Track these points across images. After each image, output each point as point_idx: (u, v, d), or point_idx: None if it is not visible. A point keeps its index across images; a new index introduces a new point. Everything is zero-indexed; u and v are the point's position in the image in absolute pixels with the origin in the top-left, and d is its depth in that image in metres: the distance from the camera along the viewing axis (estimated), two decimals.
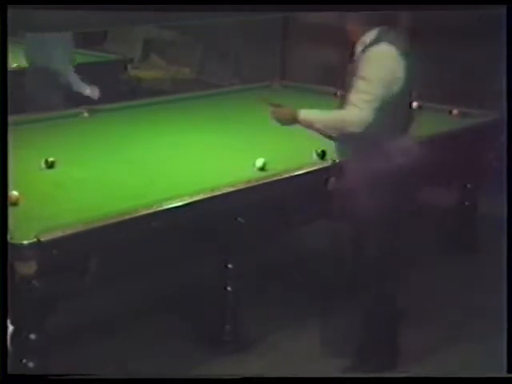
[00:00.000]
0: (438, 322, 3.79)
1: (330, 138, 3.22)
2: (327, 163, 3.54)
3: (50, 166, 3.38)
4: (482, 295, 4.01)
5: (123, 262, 2.88)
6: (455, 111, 4.56)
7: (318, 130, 3.11)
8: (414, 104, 4.67)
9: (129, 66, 6.21)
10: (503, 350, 2.74)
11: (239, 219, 3.25)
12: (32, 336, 2.73)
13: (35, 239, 2.56)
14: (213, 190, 3.13)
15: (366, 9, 3.24)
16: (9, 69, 2.54)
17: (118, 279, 3.01)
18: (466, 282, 4.23)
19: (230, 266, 3.35)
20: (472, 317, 3.80)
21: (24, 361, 2.72)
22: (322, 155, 3.59)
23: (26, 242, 2.55)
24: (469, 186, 4.50)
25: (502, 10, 2.85)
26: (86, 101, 4.63)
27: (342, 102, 3.20)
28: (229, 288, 3.36)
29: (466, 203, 4.53)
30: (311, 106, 4.79)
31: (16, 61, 4.98)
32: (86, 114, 4.30)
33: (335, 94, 4.98)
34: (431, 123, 4.36)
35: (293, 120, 3.12)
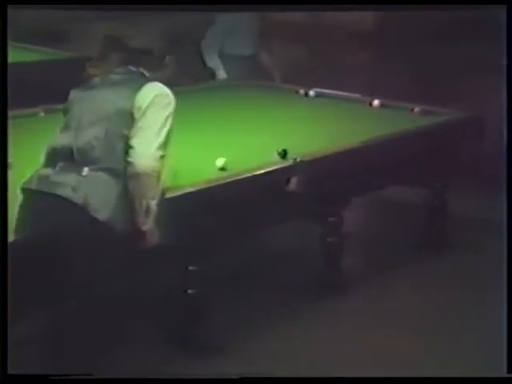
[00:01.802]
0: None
1: None
2: (288, 162, 3.50)
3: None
4: (450, 293, 4.03)
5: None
6: (417, 109, 4.56)
7: None
8: (376, 102, 4.70)
9: (87, 64, 6.10)
10: (503, 350, 2.75)
11: (200, 220, 3.19)
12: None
13: None
14: (172, 189, 3.07)
15: (366, 9, 3.23)
16: None
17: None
18: (436, 280, 4.23)
19: (190, 268, 3.29)
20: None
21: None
22: (284, 154, 3.55)
23: None
24: (436, 184, 4.49)
25: (502, 10, 2.82)
26: (43, 100, 4.52)
27: None
28: (189, 291, 3.30)
29: (435, 202, 4.52)
30: (273, 104, 4.80)
31: None
32: (42, 114, 4.22)
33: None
34: (393, 121, 4.36)
35: None
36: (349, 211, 4.01)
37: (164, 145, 2.77)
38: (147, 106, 2.78)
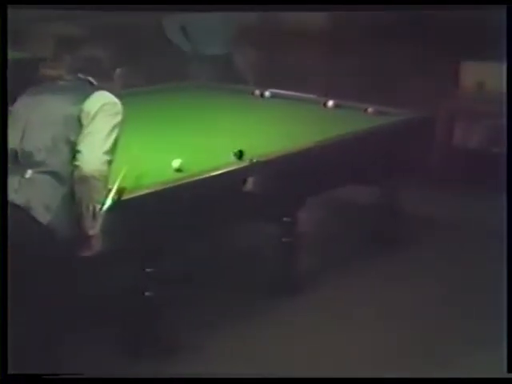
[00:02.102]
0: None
1: None
2: (244, 163, 3.51)
3: None
4: (400, 294, 4.07)
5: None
6: (370, 109, 4.61)
7: None
8: (330, 103, 4.75)
9: (40, 65, 6.04)
10: (503, 350, 2.76)
11: (156, 222, 3.19)
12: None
13: None
14: (129, 191, 3.05)
15: (366, 9, 3.24)
16: None
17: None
18: (390, 278, 4.27)
19: (147, 270, 3.28)
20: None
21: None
22: (240, 155, 3.56)
23: None
24: (387, 183, 4.53)
25: (502, 10, 2.85)
26: None
27: None
28: (147, 293, 3.29)
29: (384, 201, 4.56)
30: (229, 105, 4.81)
31: None
32: None
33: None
34: (347, 122, 4.41)
35: None
36: (304, 211, 4.04)
37: (111, 151, 2.79)
38: (96, 112, 2.80)
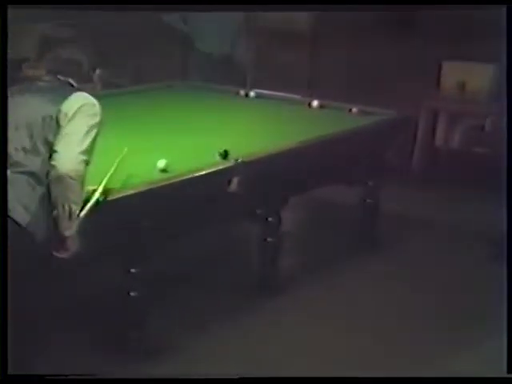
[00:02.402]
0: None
1: None
2: (230, 163, 3.52)
3: None
4: (383, 294, 4.09)
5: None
6: (354, 109, 4.63)
7: None
8: (315, 103, 4.77)
9: (23, 65, 6.01)
10: (503, 350, 2.75)
11: (142, 222, 3.19)
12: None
13: None
14: (115, 191, 3.05)
15: (366, 9, 3.24)
16: None
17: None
18: (372, 279, 4.29)
19: (132, 270, 3.27)
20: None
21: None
22: (225, 155, 3.56)
23: None
24: (370, 183, 4.56)
25: (502, 10, 2.86)
26: None
27: None
28: (132, 293, 3.28)
29: (368, 200, 4.59)
30: (214, 105, 4.81)
31: None
32: None
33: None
34: (331, 122, 4.42)
35: None
36: (287, 211, 4.05)
37: (88, 151, 2.79)
38: (74, 113, 2.79)
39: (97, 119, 2.84)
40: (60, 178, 2.71)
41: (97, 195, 2.94)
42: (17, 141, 2.75)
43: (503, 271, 2.82)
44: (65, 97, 2.81)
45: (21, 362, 2.71)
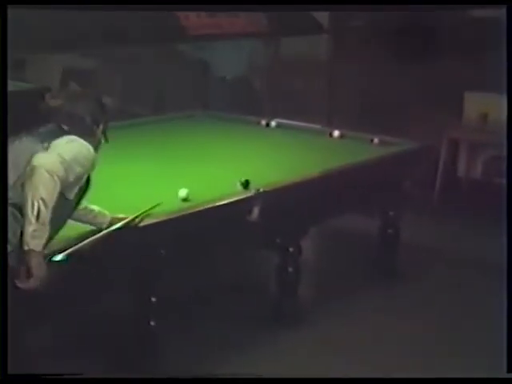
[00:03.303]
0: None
1: None
2: (250, 193, 3.53)
3: None
4: (404, 321, 4.06)
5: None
6: (376, 140, 4.62)
7: None
8: (336, 133, 4.77)
9: (47, 96, 6.06)
10: (503, 350, 2.75)
11: (162, 251, 3.19)
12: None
13: None
14: (136, 220, 3.06)
15: (366, 9, 3.25)
16: None
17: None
18: (393, 308, 4.25)
19: (153, 299, 3.27)
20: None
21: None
22: (246, 185, 3.57)
23: None
24: (391, 213, 4.54)
25: (502, 10, 2.86)
26: None
27: None
28: (152, 322, 3.28)
29: (388, 231, 4.57)
30: (235, 135, 4.84)
31: None
32: None
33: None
34: (352, 152, 4.42)
35: None
36: (307, 241, 4.04)
37: (69, 160, 2.64)
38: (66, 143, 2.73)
39: (88, 165, 2.74)
40: (34, 169, 2.56)
41: (119, 224, 2.96)
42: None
43: (503, 274, 2.82)
44: (57, 136, 2.74)
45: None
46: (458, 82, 6.00)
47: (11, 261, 2.56)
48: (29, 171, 2.57)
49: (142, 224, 3.07)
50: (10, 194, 2.62)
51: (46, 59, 6.80)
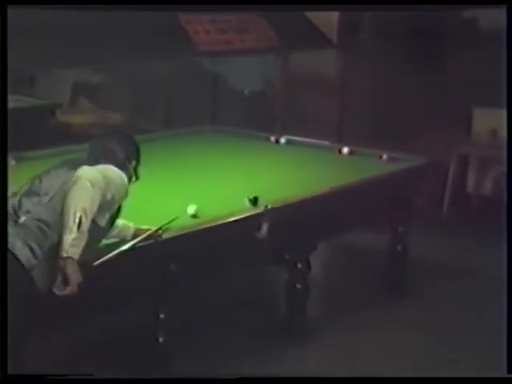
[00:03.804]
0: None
1: None
2: (259, 209, 3.52)
3: None
4: (411, 339, 4.03)
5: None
6: (384, 156, 4.62)
7: None
8: (345, 150, 4.77)
9: (57, 111, 6.10)
10: (503, 350, 2.75)
11: (171, 267, 3.19)
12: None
13: None
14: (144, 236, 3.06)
15: (367, 9, 3.27)
16: None
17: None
18: (402, 324, 4.23)
19: (161, 315, 3.27)
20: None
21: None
22: (255, 201, 3.57)
23: None
24: (400, 229, 4.53)
25: (502, 10, 2.86)
26: (12, 147, 4.50)
27: None
28: (160, 339, 3.27)
29: (397, 247, 4.56)
30: (244, 151, 4.84)
31: None
32: (12, 162, 4.17)
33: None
34: (361, 168, 4.42)
35: None
36: (316, 257, 4.03)
37: (109, 179, 2.78)
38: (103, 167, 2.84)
39: (121, 188, 2.86)
40: (77, 180, 2.67)
41: (145, 235, 3.01)
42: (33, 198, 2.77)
43: (503, 271, 2.83)
44: (92, 166, 2.83)
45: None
46: (468, 97, 6.00)
47: (36, 274, 2.64)
48: (72, 182, 2.69)
49: (151, 240, 3.07)
50: (39, 209, 2.73)
51: (55, 74, 6.84)
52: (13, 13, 2.73)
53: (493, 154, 5.99)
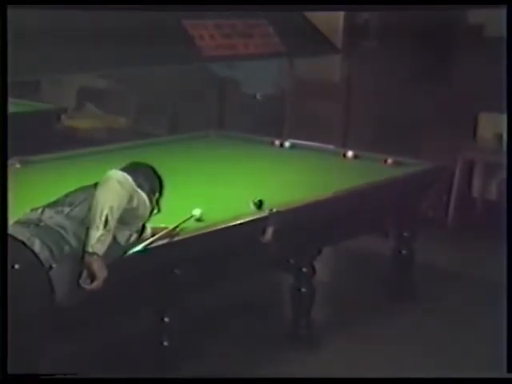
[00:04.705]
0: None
1: None
2: (264, 213, 3.53)
3: None
4: (418, 346, 4.03)
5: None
6: (389, 160, 4.62)
7: None
8: (350, 154, 4.77)
9: (63, 116, 6.12)
10: (503, 350, 2.74)
11: (176, 271, 3.19)
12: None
13: None
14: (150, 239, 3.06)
15: (367, 9, 3.27)
16: None
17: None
18: (408, 330, 4.22)
19: (166, 319, 3.27)
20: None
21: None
22: (259, 205, 3.57)
23: None
24: (405, 234, 4.53)
25: (502, 10, 2.86)
26: (18, 151, 4.52)
27: None
28: (165, 343, 3.27)
29: (403, 251, 4.55)
30: (248, 155, 4.85)
31: None
32: (17, 166, 4.19)
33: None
34: (366, 172, 4.42)
35: None
36: (321, 261, 4.03)
37: (137, 188, 2.87)
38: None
39: (146, 205, 2.95)
40: (107, 180, 2.78)
41: (162, 233, 3.05)
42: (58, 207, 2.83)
43: (503, 271, 2.82)
44: None
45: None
46: (473, 102, 6.00)
47: (54, 276, 2.66)
48: (102, 181, 2.79)
49: (155, 243, 3.07)
50: (60, 217, 2.78)
51: (61, 79, 6.86)
52: (13, 15, 2.72)
53: (498, 159, 5.98)
